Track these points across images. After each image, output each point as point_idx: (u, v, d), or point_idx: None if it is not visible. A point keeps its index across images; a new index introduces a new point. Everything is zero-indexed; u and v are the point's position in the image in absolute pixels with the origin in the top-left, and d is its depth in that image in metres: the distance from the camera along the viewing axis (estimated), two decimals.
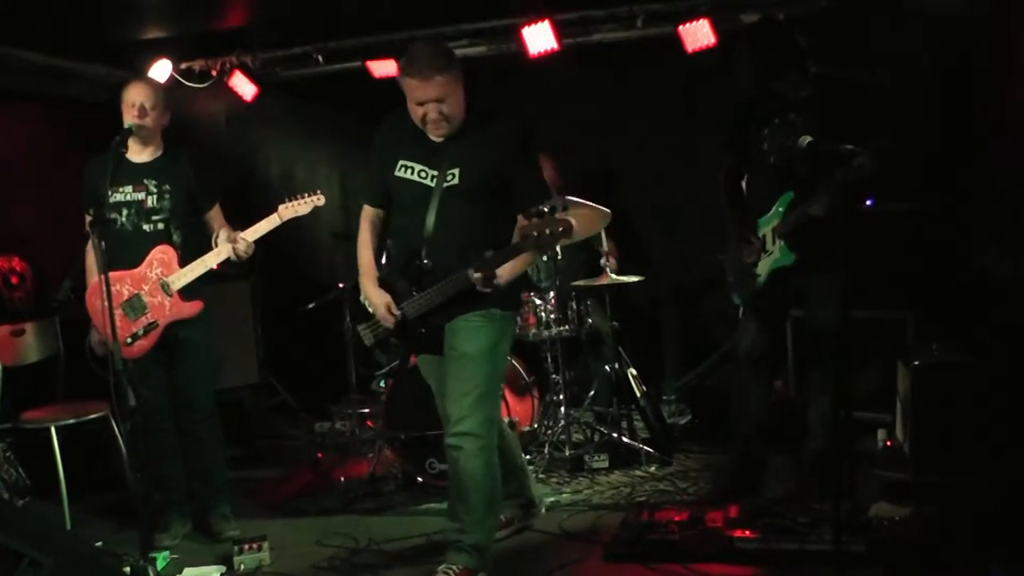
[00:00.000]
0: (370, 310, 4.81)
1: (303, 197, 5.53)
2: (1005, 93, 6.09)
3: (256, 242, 5.44)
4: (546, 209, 4.10)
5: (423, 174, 4.58)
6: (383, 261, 4.96)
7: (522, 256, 4.42)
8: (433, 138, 4.56)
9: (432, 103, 4.39)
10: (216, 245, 5.43)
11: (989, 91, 6.34)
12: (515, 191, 4.52)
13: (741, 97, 5.57)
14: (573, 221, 4.17)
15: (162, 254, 5.36)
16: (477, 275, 4.33)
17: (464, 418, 4.53)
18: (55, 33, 7.00)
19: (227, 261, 5.43)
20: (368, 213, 4.91)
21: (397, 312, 4.64)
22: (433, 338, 4.67)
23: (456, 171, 4.51)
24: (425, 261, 4.56)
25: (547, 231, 4.11)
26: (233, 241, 5.35)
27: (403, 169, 4.62)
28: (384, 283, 4.74)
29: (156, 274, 5.34)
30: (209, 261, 5.39)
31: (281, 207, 5.48)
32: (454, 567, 4.58)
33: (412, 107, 4.46)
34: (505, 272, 4.41)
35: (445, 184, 4.52)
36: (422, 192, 4.57)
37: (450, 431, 4.58)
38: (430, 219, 4.54)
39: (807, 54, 5.18)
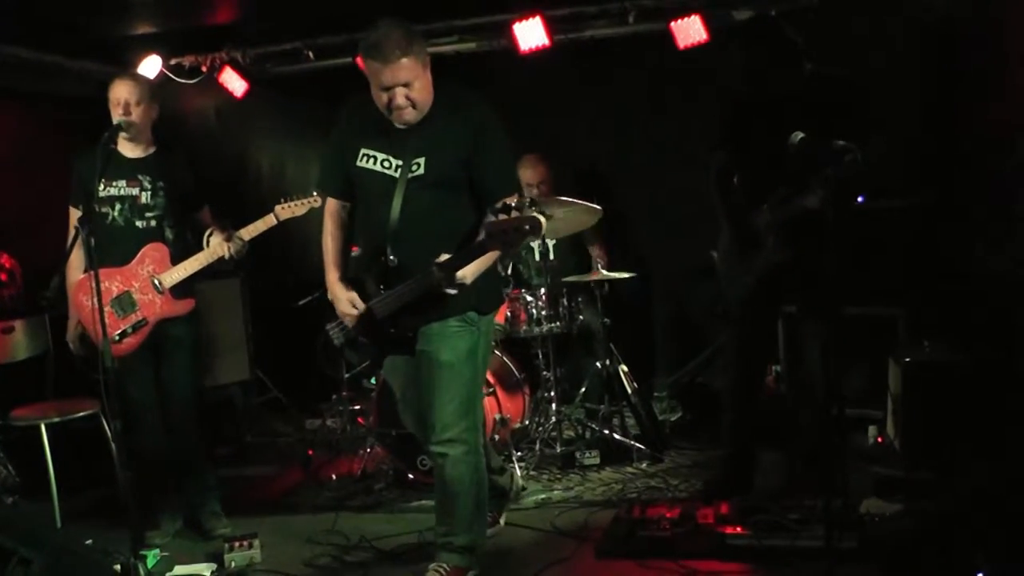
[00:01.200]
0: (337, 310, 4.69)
1: (299, 199, 5.52)
2: (993, 89, 6.10)
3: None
4: (512, 204, 3.97)
5: (386, 164, 4.40)
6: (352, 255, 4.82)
7: (488, 254, 4.24)
8: (397, 125, 4.36)
9: (398, 88, 4.18)
10: (207, 244, 5.43)
11: (978, 87, 6.34)
12: (483, 180, 4.39)
13: (733, 94, 5.56)
14: (541, 219, 3.95)
15: (155, 251, 5.35)
16: (440, 275, 4.17)
17: (448, 426, 4.45)
18: (44, 29, 6.97)
19: (219, 259, 5.42)
20: (331, 206, 4.71)
21: (361, 306, 4.50)
22: (402, 340, 4.54)
23: (421, 160, 4.33)
24: (391, 257, 4.37)
25: (513, 228, 3.94)
26: (228, 240, 5.34)
27: (365, 159, 4.44)
28: (353, 280, 4.61)
29: (148, 271, 5.33)
30: (203, 259, 5.38)
31: (277, 208, 5.49)
32: (444, 566, 4.56)
33: (376, 93, 4.25)
34: (469, 272, 4.22)
35: (410, 175, 4.34)
36: (385, 183, 4.38)
37: (435, 439, 4.49)
38: (394, 212, 4.35)
39: (801, 52, 5.17)
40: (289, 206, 5.51)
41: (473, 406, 4.58)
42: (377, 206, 4.42)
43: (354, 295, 4.51)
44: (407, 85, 4.18)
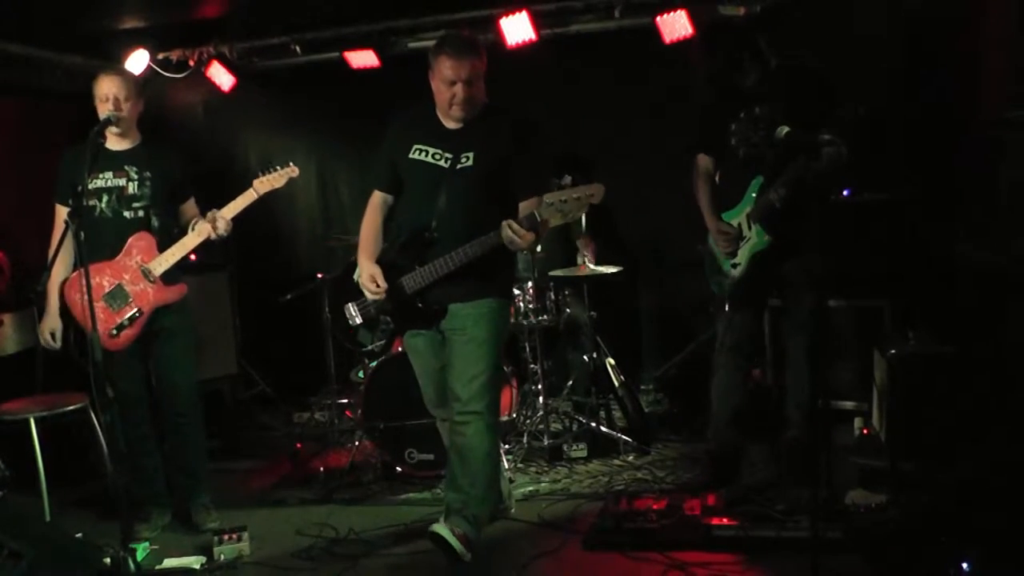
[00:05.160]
0: (361, 287, 4.94)
1: (277, 170, 5.51)
2: (976, 82, 6.13)
3: (234, 232, 5.43)
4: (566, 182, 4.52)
5: (437, 156, 4.79)
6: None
7: (545, 223, 4.59)
8: (448, 125, 4.82)
9: (462, 84, 4.63)
10: (193, 231, 5.42)
11: (961, 80, 6.37)
12: (518, 177, 4.78)
13: (704, 97, 5.61)
14: (601, 186, 4.48)
15: (140, 241, 5.34)
16: (517, 228, 4.49)
17: (473, 398, 4.76)
18: (30, 23, 6.95)
19: (207, 244, 5.42)
20: (376, 198, 5.07)
21: (384, 284, 4.80)
22: (429, 314, 4.85)
23: (471, 154, 4.75)
24: (435, 234, 4.74)
25: (575, 196, 4.42)
26: (212, 221, 5.33)
27: (417, 152, 4.83)
28: (383, 264, 4.88)
29: (136, 262, 5.32)
30: (189, 243, 5.37)
31: (256, 182, 5.47)
32: (456, 528, 4.72)
33: (440, 88, 4.70)
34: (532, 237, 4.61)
35: (459, 166, 4.75)
36: (435, 173, 4.77)
37: (460, 409, 4.78)
38: (442, 198, 4.74)
39: (765, 49, 5.22)
40: (268, 179, 5.50)
41: (497, 383, 4.93)
42: (426, 192, 4.80)
43: (378, 272, 4.84)
44: (470, 82, 4.65)
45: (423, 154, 4.81)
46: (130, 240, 5.33)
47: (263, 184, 5.49)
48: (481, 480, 4.82)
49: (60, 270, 5.31)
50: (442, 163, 4.77)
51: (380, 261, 4.91)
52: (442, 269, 4.71)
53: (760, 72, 5.23)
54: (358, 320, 5.07)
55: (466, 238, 4.65)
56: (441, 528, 4.71)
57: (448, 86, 4.66)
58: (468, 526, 4.76)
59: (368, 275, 4.84)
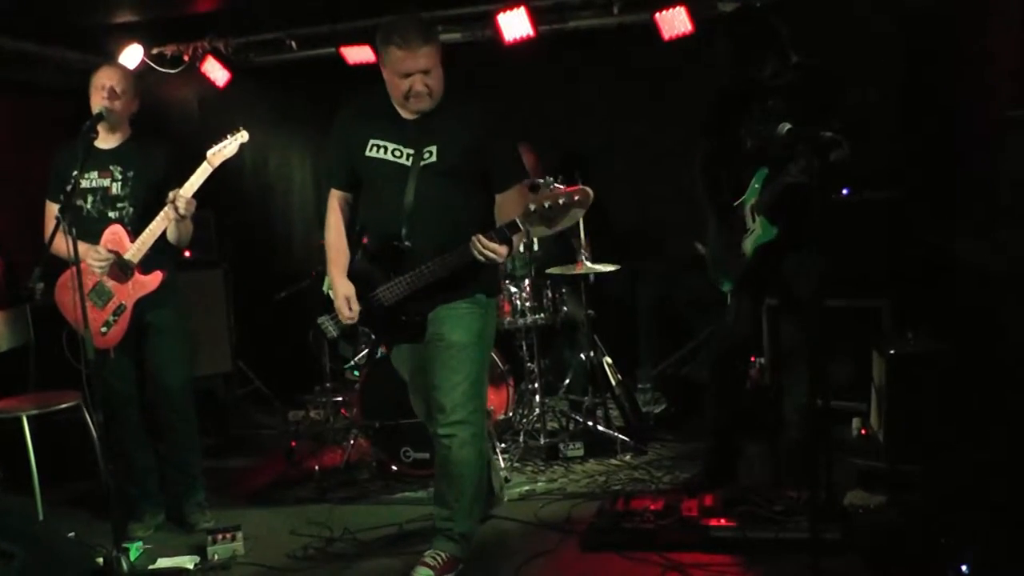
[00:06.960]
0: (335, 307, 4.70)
1: (227, 138, 5.35)
2: (977, 79, 6.11)
3: (229, 230, 5.39)
4: (543, 181, 4.18)
5: (397, 153, 4.45)
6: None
7: (520, 232, 4.28)
8: (406, 116, 4.46)
9: (418, 75, 4.27)
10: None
11: (962, 78, 6.35)
12: (493, 170, 4.47)
13: (719, 83, 5.56)
14: (589, 191, 4.14)
15: (112, 235, 5.26)
16: (487, 243, 4.20)
17: (456, 407, 4.49)
18: (22, 17, 6.91)
19: (197, 246, 5.35)
20: (336, 199, 4.77)
21: (357, 308, 4.58)
22: (412, 327, 4.59)
23: (433, 148, 4.40)
24: (406, 243, 4.42)
25: (560, 202, 4.11)
26: (172, 201, 5.13)
27: (375, 148, 4.49)
28: (356, 272, 4.65)
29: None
30: (156, 228, 5.19)
31: (209, 153, 5.21)
32: (442, 554, 4.59)
33: (394, 81, 4.33)
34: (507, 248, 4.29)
35: (422, 162, 4.41)
36: (397, 171, 4.44)
37: (443, 421, 4.51)
38: (408, 199, 4.40)
39: (787, 42, 5.18)
40: (219, 150, 5.26)
41: (481, 388, 4.65)
42: (389, 194, 4.47)
43: (352, 293, 4.58)
44: (426, 72, 4.29)
45: (381, 151, 4.47)
46: (103, 236, 5.27)
47: (217, 156, 5.24)
48: (467, 492, 4.64)
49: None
50: (403, 160, 4.43)
51: (352, 272, 4.65)
52: (419, 281, 4.42)
53: (778, 65, 5.19)
54: (335, 333, 4.83)
55: (441, 239, 4.36)
56: (422, 573, 4.53)
57: (402, 78, 4.29)
58: (454, 546, 4.63)
59: (343, 297, 4.58)
